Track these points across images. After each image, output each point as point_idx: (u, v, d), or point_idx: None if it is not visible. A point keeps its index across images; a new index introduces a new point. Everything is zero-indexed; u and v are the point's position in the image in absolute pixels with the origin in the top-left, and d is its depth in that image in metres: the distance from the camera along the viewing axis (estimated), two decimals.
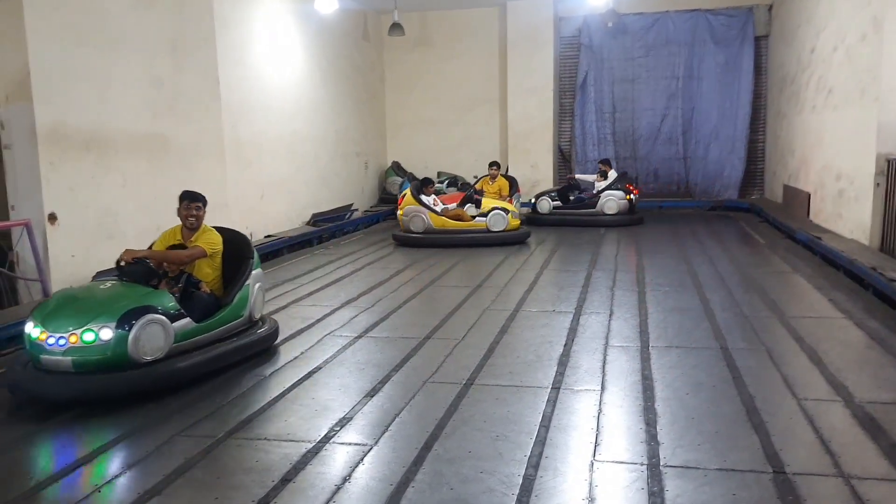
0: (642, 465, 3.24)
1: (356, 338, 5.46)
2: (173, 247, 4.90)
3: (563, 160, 14.61)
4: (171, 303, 4.40)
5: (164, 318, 4.27)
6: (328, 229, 11.07)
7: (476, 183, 12.13)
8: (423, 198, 10.16)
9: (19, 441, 3.73)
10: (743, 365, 4.57)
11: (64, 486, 3.22)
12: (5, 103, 6.21)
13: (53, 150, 6.34)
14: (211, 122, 8.58)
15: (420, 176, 12.31)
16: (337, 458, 3.40)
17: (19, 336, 5.03)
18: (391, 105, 15.06)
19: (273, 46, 10.23)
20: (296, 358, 5.00)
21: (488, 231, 9.91)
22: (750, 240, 10.04)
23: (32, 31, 6.09)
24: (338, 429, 3.74)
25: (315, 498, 3.02)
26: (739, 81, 13.30)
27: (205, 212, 5.05)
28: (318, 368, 4.75)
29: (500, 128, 14.58)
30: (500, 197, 11.15)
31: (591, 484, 3.08)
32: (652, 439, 3.49)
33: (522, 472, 3.19)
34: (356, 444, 3.54)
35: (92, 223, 6.78)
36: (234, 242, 5.19)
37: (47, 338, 4.07)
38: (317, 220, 11.12)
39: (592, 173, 12.67)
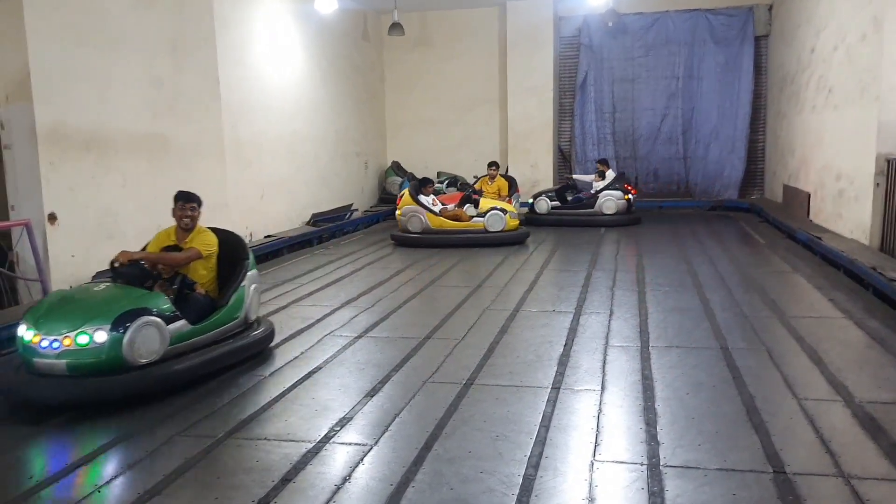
0: (642, 465, 3.23)
1: (356, 338, 5.46)
2: (168, 248, 4.84)
3: (563, 160, 14.61)
4: (166, 305, 4.35)
5: (159, 320, 4.22)
6: (328, 229, 11.07)
7: (475, 183, 12.14)
8: (422, 198, 10.15)
9: (17, 442, 3.71)
10: (743, 365, 4.57)
11: (63, 487, 3.22)
12: (5, 103, 6.21)
13: (53, 150, 6.34)
14: (211, 122, 8.58)
15: (420, 176, 12.30)
16: (337, 458, 3.40)
17: None
18: (391, 105, 15.06)
19: (273, 46, 10.23)
20: (296, 358, 5.00)
21: (486, 231, 9.90)
22: (750, 240, 10.04)
23: (32, 31, 6.09)
24: (338, 429, 3.74)
25: (315, 498, 3.02)
26: (739, 81, 13.30)
27: (200, 212, 4.99)
28: (318, 368, 4.75)
29: (500, 128, 14.58)
30: (500, 197, 11.15)
31: (591, 484, 3.08)
32: (652, 439, 3.49)
33: (522, 472, 3.19)
34: (356, 444, 3.54)
35: (92, 223, 6.78)
36: (230, 243, 5.13)
37: (40, 340, 4.01)
38: (317, 220, 11.12)
39: (592, 173, 12.67)
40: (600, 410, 3.89)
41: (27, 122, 6.15)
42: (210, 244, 4.93)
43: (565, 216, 11.76)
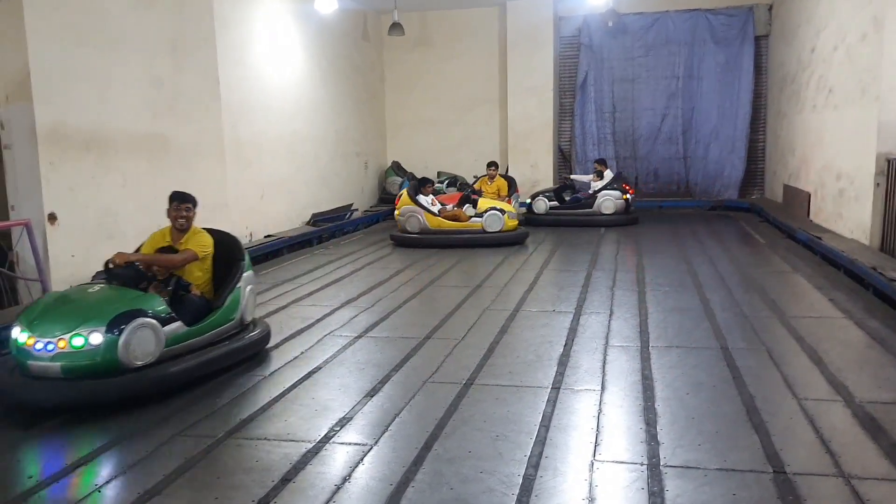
0: (642, 464, 3.23)
1: (356, 338, 5.46)
2: (163, 249, 4.79)
3: (564, 160, 14.61)
4: (161, 306, 4.31)
5: (154, 322, 4.18)
6: (328, 229, 11.07)
7: (475, 183, 12.14)
8: (421, 198, 10.14)
9: (14, 444, 3.70)
10: (743, 365, 4.57)
11: (63, 487, 3.22)
12: (5, 103, 6.21)
13: (53, 150, 6.34)
14: (211, 122, 8.58)
15: (420, 176, 12.30)
16: (337, 458, 3.40)
17: None
18: (391, 105, 15.06)
19: (273, 46, 10.23)
20: (296, 358, 5.00)
21: (484, 232, 9.87)
22: (750, 239, 10.03)
23: (32, 31, 6.08)
24: (338, 429, 3.73)
25: (315, 498, 3.02)
26: (739, 81, 13.30)
27: (195, 213, 4.93)
28: (318, 368, 4.75)
29: (500, 128, 14.58)
30: (499, 197, 11.15)
31: (591, 484, 3.07)
32: (652, 439, 3.49)
33: (522, 471, 3.19)
34: (356, 444, 3.53)
35: (92, 223, 6.78)
36: (225, 244, 5.07)
37: (35, 343, 3.96)
38: (317, 220, 11.12)
39: (590, 173, 12.67)
40: (600, 410, 3.89)
41: (27, 122, 6.14)
42: (206, 245, 4.88)
43: (563, 216, 11.76)
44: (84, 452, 3.54)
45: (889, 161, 7.40)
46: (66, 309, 4.15)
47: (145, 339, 4.12)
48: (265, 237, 9.75)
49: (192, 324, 4.49)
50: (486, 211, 9.94)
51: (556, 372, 4.53)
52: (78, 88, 6.61)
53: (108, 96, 6.99)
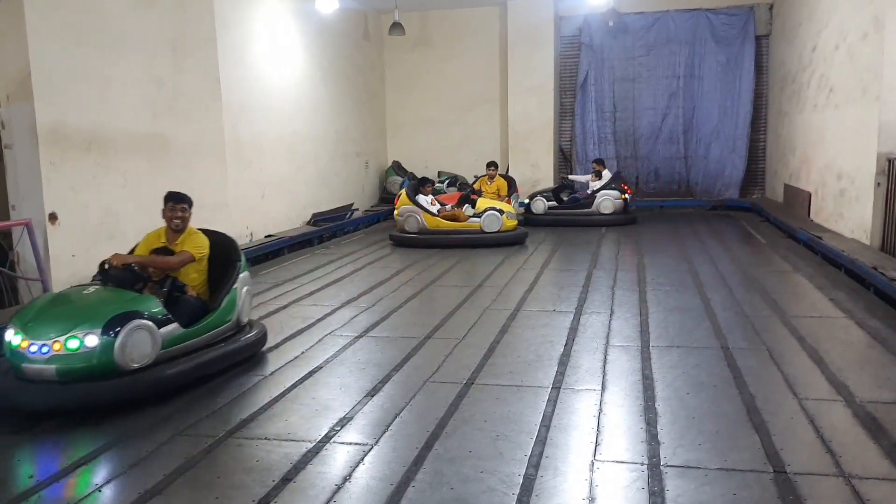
0: (643, 464, 3.23)
1: (357, 337, 5.46)
2: (158, 249, 4.73)
3: (564, 160, 14.61)
4: (157, 308, 4.25)
5: (151, 323, 4.12)
6: (328, 229, 11.07)
7: (474, 183, 12.13)
8: (420, 198, 10.12)
9: (11, 445, 3.68)
10: (744, 364, 4.57)
11: (63, 487, 3.22)
12: (6, 103, 6.22)
13: (54, 150, 6.34)
14: (211, 122, 8.58)
15: (420, 175, 12.30)
16: (337, 458, 3.40)
17: None
18: (391, 105, 15.06)
19: (273, 46, 10.23)
20: (296, 357, 5.00)
21: (482, 232, 9.84)
22: (751, 239, 10.03)
23: (33, 31, 6.09)
24: (338, 428, 3.73)
25: (315, 497, 3.02)
26: (740, 80, 13.29)
27: (190, 213, 4.87)
28: (319, 368, 4.75)
29: (500, 127, 14.57)
30: (499, 197, 11.14)
31: (591, 484, 3.07)
32: (652, 439, 3.49)
33: (523, 471, 3.19)
34: (357, 444, 3.53)
35: (92, 223, 6.79)
36: (221, 245, 5.01)
37: (29, 345, 3.90)
38: (317, 219, 11.12)
39: (589, 173, 12.67)
40: (601, 410, 3.88)
41: (28, 122, 6.15)
42: (202, 246, 4.83)
43: (562, 216, 11.76)
44: (84, 452, 3.53)
45: (890, 161, 7.39)
46: (60, 311, 4.11)
47: (141, 341, 4.07)
48: (266, 237, 9.75)
49: (189, 325, 4.44)
50: (484, 211, 9.91)
51: (557, 371, 4.53)
52: (78, 88, 6.62)
53: (109, 96, 7.00)
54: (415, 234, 10.00)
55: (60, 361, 3.89)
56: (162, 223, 4.92)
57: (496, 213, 9.84)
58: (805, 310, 6.06)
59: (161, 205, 4.89)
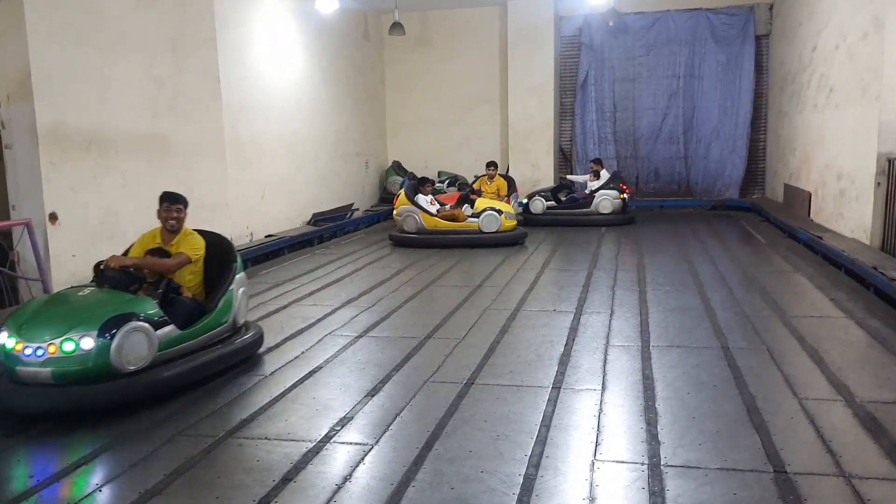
0: (643, 464, 3.23)
1: (357, 337, 5.46)
2: (154, 250, 4.66)
3: (564, 160, 14.61)
4: (153, 309, 4.20)
5: (147, 325, 4.07)
6: (329, 229, 11.08)
7: (474, 183, 12.13)
8: (419, 198, 10.11)
9: (9, 447, 3.67)
10: (744, 364, 4.57)
11: (64, 487, 3.22)
12: (6, 103, 6.22)
13: (54, 150, 6.34)
14: (211, 121, 8.58)
15: (420, 175, 12.30)
16: (338, 458, 3.40)
17: None
18: (391, 105, 15.06)
19: (273, 46, 10.23)
20: (296, 357, 5.00)
21: (481, 232, 9.82)
22: (751, 239, 10.03)
23: (33, 31, 6.09)
24: (338, 428, 3.73)
25: (316, 497, 3.02)
26: (740, 80, 13.30)
27: (186, 214, 4.80)
28: (319, 368, 4.75)
29: (500, 127, 14.57)
30: (499, 197, 11.14)
31: (591, 483, 3.07)
32: (653, 439, 3.49)
33: (523, 471, 3.19)
34: (357, 444, 3.53)
35: (93, 223, 6.79)
36: (217, 246, 4.95)
37: (24, 348, 3.84)
38: (317, 219, 11.12)
39: (587, 173, 12.67)
40: (601, 410, 3.88)
41: (28, 122, 6.15)
42: (198, 248, 4.77)
43: (561, 216, 11.76)
44: (84, 453, 3.53)
45: (890, 161, 7.39)
46: (55, 313, 4.06)
47: (138, 344, 4.02)
48: (266, 237, 9.75)
49: (185, 327, 4.39)
50: (483, 211, 9.90)
51: (557, 371, 4.53)
52: (78, 88, 6.62)
53: (109, 96, 7.00)
54: (413, 234, 9.99)
55: (56, 364, 3.83)
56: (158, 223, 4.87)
57: (494, 213, 9.82)
58: (805, 310, 6.06)
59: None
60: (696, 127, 13.72)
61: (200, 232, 4.93)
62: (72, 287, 4.67)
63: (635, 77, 13.88)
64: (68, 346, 3.85)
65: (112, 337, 3.90)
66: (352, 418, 3.86)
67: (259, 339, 5.00)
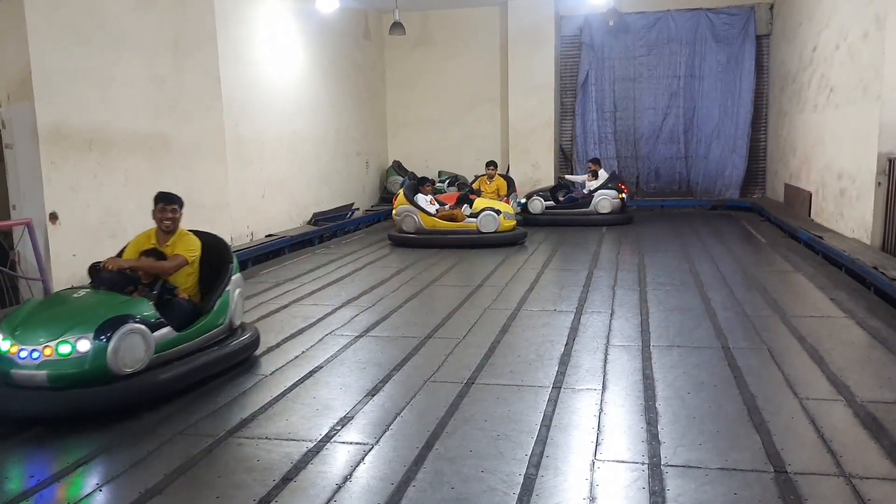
0: (643, 464, 3.23)
1: (357, 337, 5.46)
2: (149, 251, 4.60)
3: (565, 159, 14.61)
4: (150, 311, 4.15)
5: (143, 327, 4.02)
6: (329, 228, 11.08)
7: (473, 182, 12.11)
8: (419, 197, 10.10)
9: (7, 448, 3.66)
10: (744, 364, 4.57)
11: (64, 486, 3.22)
12: (7, 103, 6.22)
13: (55, 150, 6.34)
14: (212, 121, 8.58)
15: (421, 175, 12.30)
16: (338, 457, 3.40)
17: None
18: (392, 104, 15.07)
19: (274, 46, 10.23)
20: (297, 357, 5.00)
21: (479, 232, 9.80)
22: (751, 239, 10.03)
23: (34, 31, 6.09)
24: (339, 428, 3.73)
25: (316, 497, 3.02)
26: (741, 80, 13.30)
27: (181, 214, 4.75)
28: (320, 367, 4.75)
29: (500, 127, 14.57)
30: (498, 197, 11.13)
31: (591, 483, 3.07)
32: (653, 439, 3.49)
33: (523, 471, 3.19)
34: (357, 444, 3.53)
35: (93, 222, 6.78)
36: (212, 246, 4.89)
37: (18, 351, 3.78)
38: (318, 219, 11.12)
39: (585, 173, 12.67)
40: (601, 410, 3.88)
41: (28, 122, 6.15)
42: (194, 249, 4.72)
43: (560, 216, 11.75)
44: (84, 453, 3.53)
45: (890, 160, 7.39)
46: (51, 315, 4.00)
47: (135, 346, 3.96)
48: (266, 236, 9.75)
49: (181, 329, 4.34)
50: (481, 211, 9.88)
51: (557, 371, 4.53)
52: (79, 88, 6.61)
53: (110, 96, 6.99)
54: (412, 234, 9.98)
55: (51, 367, 3.78)
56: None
57: (493, 213, 9.79)
58: (806, 309, 6.06)
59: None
60: (697, 127, 13.72)
61: (196, 232, 4.88)
62: (67, 288, 4.63)
63: (636, 77, 13.88)
64: (64, 349, 3.79)
65: (108, 339, 3.84)
66: (352, 418, 3.86)
67: (256, 341, 4.97)
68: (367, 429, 3.72)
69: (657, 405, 3.91)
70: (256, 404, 4.11)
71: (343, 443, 3.55)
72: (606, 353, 4.88)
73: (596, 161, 12.30)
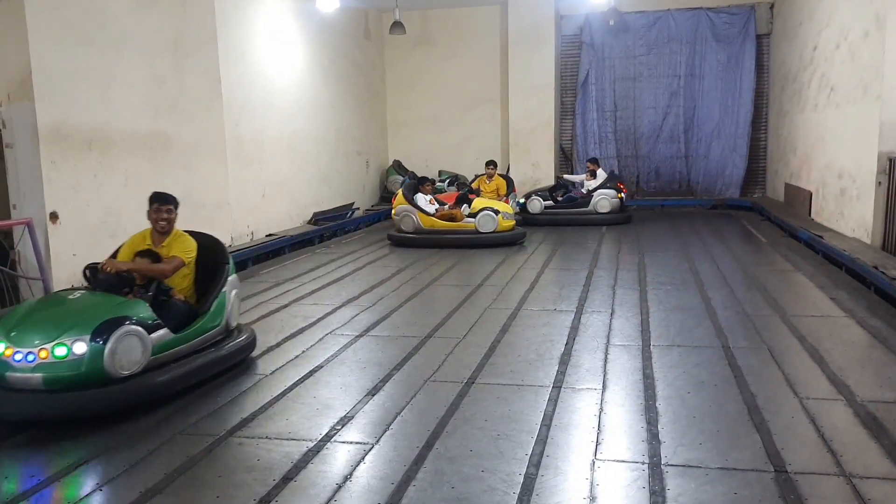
0: (643, 463, 3.23)
1: (357, 336, 5.46)
2: (144, 252, 4.55)
3: (565, 159, 14.61)
4: (146, 312, 4.11)
5: (140, 329, 3.97)
6: (329, 228, 11.08)
7: (473, 182, 12.11)
8: (418, 197, 10.10)
9: (6, 449, 3.66)
10: (744, 364, 4.57)
11: (64, 486, 3.22)
12: (7, 102, 6.22)
13: (55, 150, 6.35)
14: (212, 121, 8.58)
15: (421, 174, 12.30)
16: (338, 457, 3.40)
17: None
18: (392, 104, 15.07)
19: (274, 45, 10.23)
20: (297, 356, 5.00)
21: (478, 232, 9.78)
22: (752, 238, 10.03)
23: (34, 31, 6.09)
24: (339, 427, 3.73)
25: (316, 496, 3.02)
26: (741, 79, 13.30)
27: (176, 214, 4.70)
28: (320, 367, 4.75)
29: (501, 126, 14.57)
30: (498, 197, 11.13)
31: (592, 483, 3.07)
32: (653, 438, 3.49)
33: (523, 470, 3.19)
34: (357, 443, 3.53)
35: (94, 222, 6.79)
36: (208, 247, 4.85)
37: (14, 353, 3.73)
38: (318, 218, 11.12)
39: (584, 173, 12.67)
40: (601, 409, 3.88)
41: (29, 122, 6.15)
42: (190, 250, 4.67)
43: (559, 215, 11.75)
44: (84, 453, 3.53)
45: (891, 160, 7.39)
46: (46, 317, 3.96)
47: (132, 348, 3.92)
48: (266, 236, 9.76)
49: (178, 330, 4.30)
50: (480, 211, 9.86)
51: (558, 371, 4.53)
52: (79, 88, 6.62)
53: (110, 95, 7.00)
54: (411, 233, 9.97)
55: (47, 370, 3.73)
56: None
57: (491, 213, 9.76)
58: (806, 309, 6.06)
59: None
60: (697, 126, 13.72)
61: (191, 233, 4.84)
62: (62, 290, 4.59)
63: (636, 76, 13.88)
64: (60, 351, 3.74)
65: (105, 341, 3.79)
66: (352, 417, 3.86)
67: (252, 342, 4.94)
68: (367, 428, 3.72)
69: (657, 405, 3.91)
70: (257, 404, 4.11)
71: (343, 442, 3.55)
72: (607, 353, 4.88)
73: (594, 161, 12.31)
